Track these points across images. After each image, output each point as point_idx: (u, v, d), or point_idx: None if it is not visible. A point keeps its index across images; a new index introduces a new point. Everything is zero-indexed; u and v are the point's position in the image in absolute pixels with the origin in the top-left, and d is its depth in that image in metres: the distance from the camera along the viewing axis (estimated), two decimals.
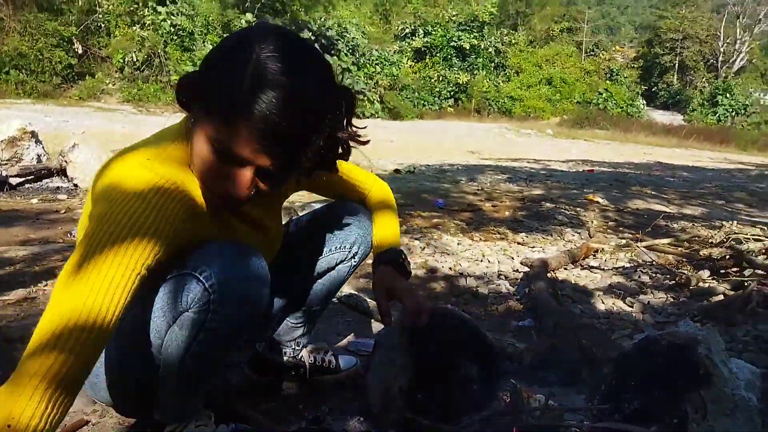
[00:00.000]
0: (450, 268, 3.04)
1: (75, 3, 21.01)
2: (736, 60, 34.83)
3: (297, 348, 1.63)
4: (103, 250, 0.84)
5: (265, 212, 1.24)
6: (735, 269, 2.81)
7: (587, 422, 1.25)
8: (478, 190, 5.98)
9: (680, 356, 1.31)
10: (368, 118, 19.44)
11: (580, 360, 1.74)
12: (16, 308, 2.10)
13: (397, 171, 7.13)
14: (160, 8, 21.56)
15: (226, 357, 1.16)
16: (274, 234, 1.29)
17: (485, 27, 29.00)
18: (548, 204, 5.13)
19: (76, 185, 4.73)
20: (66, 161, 4.76)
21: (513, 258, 3.25)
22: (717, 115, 29.88)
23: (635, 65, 35.12)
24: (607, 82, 31.43)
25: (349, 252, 1.46)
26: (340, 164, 1.37)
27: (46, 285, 2.35)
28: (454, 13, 29.72)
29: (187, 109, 0.99)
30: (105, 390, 1.18)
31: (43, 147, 5.10)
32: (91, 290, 0.81)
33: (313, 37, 21.18)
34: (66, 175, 4.81)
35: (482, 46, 28.51)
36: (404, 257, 1.36)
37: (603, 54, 34.71)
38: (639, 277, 2.93)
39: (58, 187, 4.74)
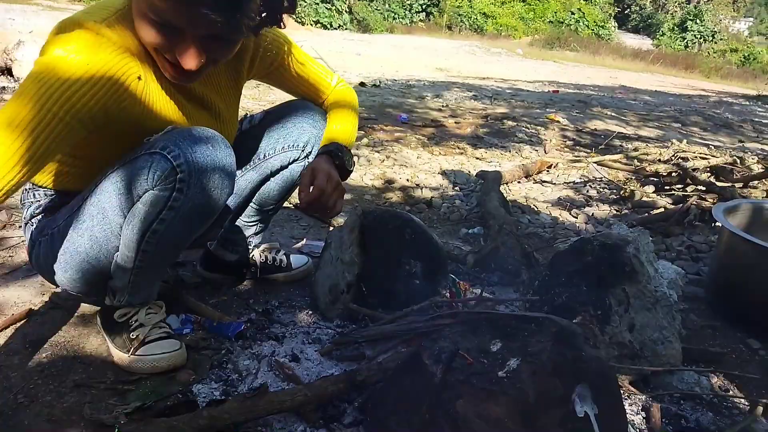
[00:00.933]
0: (407, 180, 3.07)
1: None
2: None
3: (249, 247, 1.65)
4: (29, 94, 0.90)
5: (215, 93, 1.24)
6: (679, 186, 2.92)
7: (516, 312, 1.33)
8: (442, 106, 5.94)
9: (609, 254, 1.39)
10: (335, 29, 18.72)
11: (521, 262, 1.83)
12: None
13: (362, 84, 6.98)
14: None
15: (185, 241, 1.17)
16: (226, 118, 1.28)
17: None
18: (510, 122, 5.15)
19: None
20: (11, 60, 4.49)
21: (469, 172, 3.30)
22: (685, 41, 29.82)
23: None
24: (581, 1, 30.76)
25: (302, 151, 1.46)
26: (303, 61, 1.37)
27: None
28: None
29: None
30: (61, 270, 1.20)
31: None
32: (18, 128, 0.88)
33: None
34: (11, 75, 4.56)
35: None
36: (344, 153, 1.31)
37: None
38: (587, 191, 3.03)
39: (3, 87, 4.49)
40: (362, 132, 4.14)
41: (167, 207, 1.05)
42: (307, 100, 1.46)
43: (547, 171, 3.40)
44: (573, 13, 28.95)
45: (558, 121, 5.38)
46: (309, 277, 1.71)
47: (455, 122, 5.03)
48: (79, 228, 1.13)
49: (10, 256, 1.68)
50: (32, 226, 1.25)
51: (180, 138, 1.03)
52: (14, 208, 2.00)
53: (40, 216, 1.25)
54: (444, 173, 3.28)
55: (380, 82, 7.42)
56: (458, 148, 4.02)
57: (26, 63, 4.42)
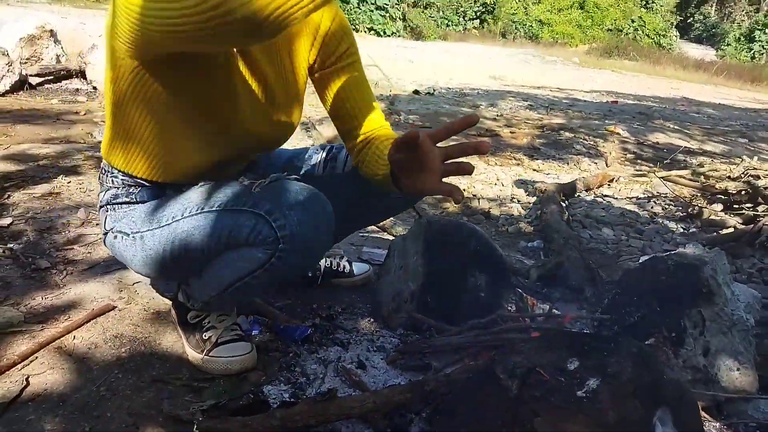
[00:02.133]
0: (464, 189, 3.06)
1: None
2: None
3: None
4: None
5: (275, 73, 1.14)
6: (749, 204, 2.80)
7: (587, 331, 1.31)
8: (497, 115, 5.89)
9: (685, 275, 1.34)
10: (389, 36, 18.84)
11: (585, 279, 1.79)
12: (42, 201, 2.17)
13: (416, 92, 7.00)
14: None
15: (272, 288, 1.20)
16: (280, 103, 1.18)
17: None
18: (567, 133, 5.06)
19: (95, 87, 4.73)
20: (85, 63, 4.73)
21: (527, 183, 3.26)
22: (752, 51, 28.57)
23: None
24: (642, 9, 29.92)
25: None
26: (363, 75, 1.27)
27: (70, 182, 2.42)
28: None
29: None
30: (140, 266, 1.21)
31: (62, 47, 5.05)
32: None
33: None
34: (85, 77, 4.80)
35: None
36: None
37: None
38: (652, 207, 2.94)
39: (77, 89, 4.74)
40: None
41: (263, 268, 1.05)
42: (348, 125, 1.25)
43: (608, 185, 3.32)
44: (633, 21, 28.19)
45: (618, 134, 5.25)
46: (370, 284, 1.73)
47: (511, 132, 4.98)
48: (164, 247, 1.12)
49: (88, 253, 1.77)
50: (107, 212, 1.22)
51: (287, 205, 1.01)
52: (92, 206, 2.10)
53: (116, 206, 1.20)
54: (501, 184, 3.25)
55: (434, 90, 7.42)
56: (515, 158, 3.98)
57: (99, 65, 4.63)
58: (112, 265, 1.66)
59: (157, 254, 1.14)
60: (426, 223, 1.59)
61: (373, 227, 2.31)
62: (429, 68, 10.46)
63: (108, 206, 1.21)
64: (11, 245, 1.75)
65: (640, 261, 1.67)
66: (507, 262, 1.66)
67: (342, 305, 1.62)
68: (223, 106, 1.07)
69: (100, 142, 2.82)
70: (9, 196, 2.17)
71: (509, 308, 1.45)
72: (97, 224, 1.97)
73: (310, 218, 1.02)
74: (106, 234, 1.23)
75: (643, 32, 27.95)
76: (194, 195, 1.12)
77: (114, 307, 1.46)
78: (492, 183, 3.27)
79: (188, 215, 1.09)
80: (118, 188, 1.20)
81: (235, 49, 1.04)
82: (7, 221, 1.93)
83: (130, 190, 1.19)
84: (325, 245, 1.11)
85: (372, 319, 1.54)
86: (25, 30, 4.73)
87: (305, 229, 1.01)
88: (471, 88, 8.34)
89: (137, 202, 1.19)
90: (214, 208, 1.07)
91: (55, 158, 2.76)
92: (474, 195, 2.99)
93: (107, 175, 1.21)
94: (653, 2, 30.87)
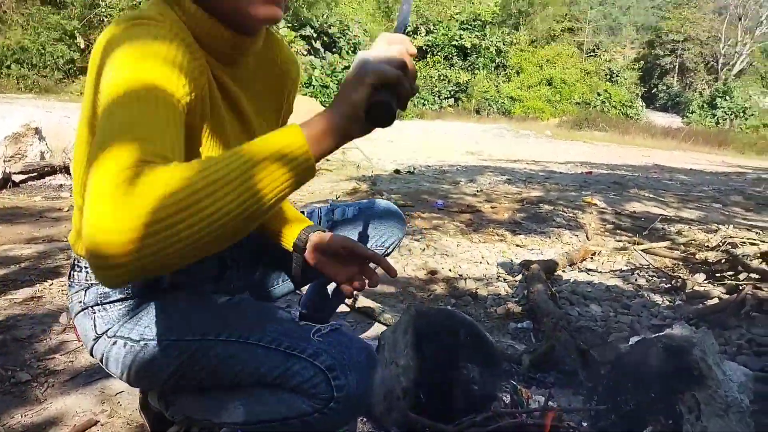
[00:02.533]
0: (450, 270, 3.08)
1: None
2: (736, 62, 34.91)
3: None
4: (130, 90, 0.72)
5: (257, 113, 1.10)
6: (730, 273, 2.85)
7: (585, 423, 1.29)
8: (477, 191, 6.02)
9: (675, 358, 1.35)
10: None
11: (578, 362, 1.78)
12: (23, 307, 2.13)
13: (397, 171, 7.16)
14: None
15: None
16: (255, 128, 1.11)
17: (487, 26, 29.01)
18: (546, 206, 5.17)
19: None
20: (70, 158, 4.78)
21: (512, 260, 3.29)
22: (716, 117, 29.96)
23: (636, 66, 35.13)
24: (607, 83, 31.46)
25: (386, 251, 1.48)
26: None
27: (51, 284, 2.39)
28: (456, 11, 29.71)
29: None
30: (144, 378, 1.06)
31: (46, 143, 5.12)
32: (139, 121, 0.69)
33: (315, 34, 21.17)
34: (69, 173, 4.84)
35: (484, 45, 28.52)
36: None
37: (604, 55, 34.73)
38: (636, 280, 2.97)
39: (61, 185, 4.77)
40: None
41: (302, 419, 0.94)
42: None
43: (591, 258, 3.36)
44: (599, 95, 29.56)
45: (595, 204, 5.38)
46: None
47: (491, 207, 5.07)
48: (180, 362, 0.99)
49: (70, 362, 1.72)
50: (94, 314, 1.04)
51: (348, 364, 0.93)
52: None
53: (107, 305, 1.04)
54: (486, 262, 3.28)
55: (414, 168, 7.60)
56: (497, 234, 4.04)
57: None
58: (94, 374, 1.61)
59: (166, 369, 1.00)
60: (415, 314, 1.59)
61: (362, 314, 2.30)
62: (408, 147, 10.76)
63: (96, 307, 1.04)
64: None
65: (630, 342, 1.67)
66: (498, 350, 1.65)
67: None
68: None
69: None
70: None
71: (504, 400, 1.43)
72: None
73: (367, 381, 0.95)
74: (96, 339, 1.04)
75: (609, 104, 29.25)
76: (232, 315, 1.02)
77: (96, 422, 1.41)
78: (477, 261, 3.30)
79: (226, 339, 0.97)
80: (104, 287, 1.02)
81: (224, 99, 1.00)
82: None
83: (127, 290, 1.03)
84: (368, 402, 1.01)
85: (364, 419, 1.50)
86: (10, 128, 4.80)
87: (361, 391, 0.93)
88: (450, 165, 8.56)
89: (133, 297, 1.04)
90: (263, 344, 0.95)
91: (37, 259, 2.74)
92: (460, 275, 3.00)
93: (87, 272, 1.05)
94: (617, 76, 32.53)
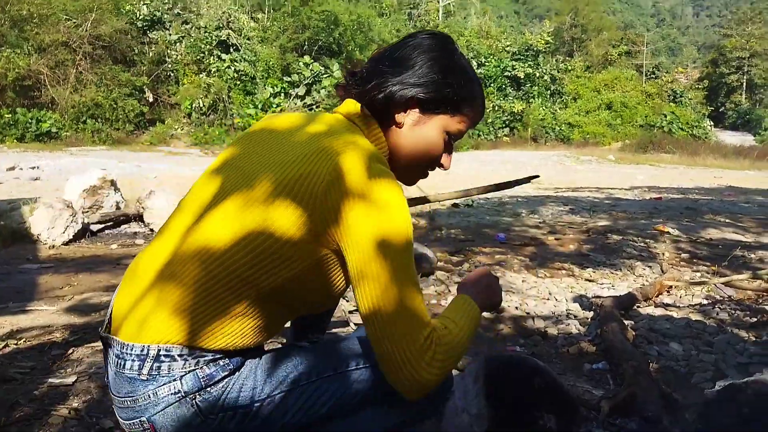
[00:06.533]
0: (516, 308, 3.00)
1: (146, 54, 22.53)
2: None
3: None
4: (402, 270, 0.98)
5: None
6: None
7: None
8: (540, 222, 5.89)
9: (766, 405, 1.25)
10: None
11: (661, 407, 1.68)
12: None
13: (455, 205, 7.11)
14: (224, 56, 22.80)
15: None
16: None
17: (540, 55, 28.89)
18: (615, 236, 4.98)
19: (152, 230, 4.99)
20: (143, 207, 5.04)
21: (581, 296, 3.17)
22: None
23: (700, 86, 33.92)
24: (671, 104, 30.47)
25: None
26: None
27: None
28: (507, 43, 29.77)
29: (382, 111, 1.14)
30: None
31: (121, 194, 5.43)
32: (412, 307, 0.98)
33: None
34: (143, 221, 5.09)
35: (537, 74, 28.37)
36: None
37: (665, 76, 33.75)
38: (717, 314, 2.80)
39: (135, 233, 5.01)
40: (462, 255, 4.16)
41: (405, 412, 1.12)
42: None
43: (668, 292, 3.20)
44: (665, 116, 28.60)
45: (668, 232, 5.14)
46: (431, 426, 1.66)
47: (556, 239, 4.94)
48: (308, 414, 1.05)
49: None
50: (194, 399, 0.97)
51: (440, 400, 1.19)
52: None
53: (211, 387, 0.98)
54: (554, 298, 3.18)
55: (473, 201, 7.53)
56: (564, 268, 3.92)
57: (156, 210, 4.93)
58: None
59: (284, 418, 1.03)
60: (485, 360, 1.55)
61: None
62: (465, 179, 10.70)
63: (197, 394, 0.97)
64: (76, 404, 1.77)
65: (717, 387, 1.57)
66: (575, 396, 1.58)
67: None
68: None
69: None
70: (73, 351, 2.23)
71: None
72: None
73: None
74: (203, 422, 0.98)
75: (676, 125, 28.25)
76: (322, 354, 1.11)
77: None
78: (544, 298, 3.20)
79: (349, 369, 1.08)
80: (211, 368, 0.98)
81: None
82: (71, 379, 1.97)
83: (227, 362, 1.00)
84: None
85: None
86: (88, 182, 5.13)
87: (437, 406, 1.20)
88: (509, 196, 8.43)
89: (237, 369, 1.02)
90: (352, 368, 1.09)
91: None
92: (527, 313, 2.92)
93: (185, 361, 0.97)
94: (681, 97, 31.45)
